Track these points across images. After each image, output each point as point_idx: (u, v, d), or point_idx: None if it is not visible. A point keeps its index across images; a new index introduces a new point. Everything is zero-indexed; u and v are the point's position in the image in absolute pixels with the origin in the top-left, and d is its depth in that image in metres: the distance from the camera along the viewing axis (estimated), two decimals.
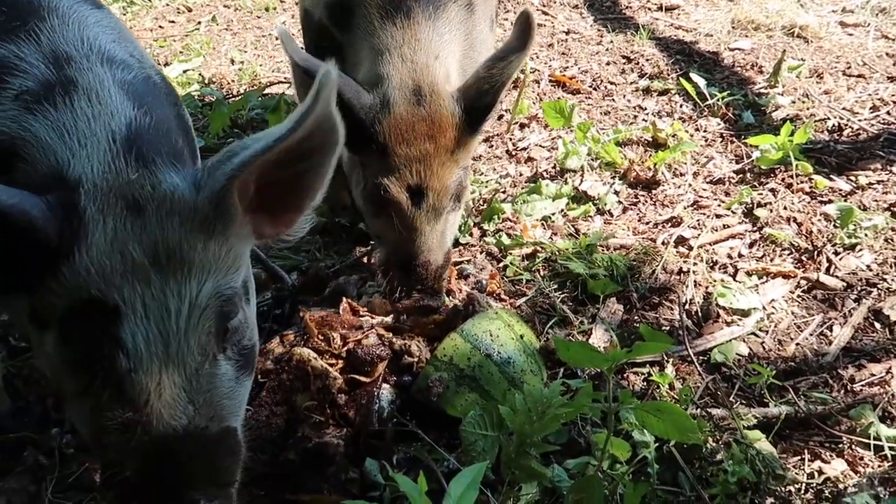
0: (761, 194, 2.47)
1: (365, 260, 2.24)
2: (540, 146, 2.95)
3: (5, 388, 1.70)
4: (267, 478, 1.48)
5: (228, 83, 3.73)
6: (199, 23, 4.81)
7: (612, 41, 3.95)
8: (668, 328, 1.94)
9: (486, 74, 1.73)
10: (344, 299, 1.80)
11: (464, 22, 1.93)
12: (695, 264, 2.17)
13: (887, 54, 3.46)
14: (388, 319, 1.76)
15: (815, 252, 2.17)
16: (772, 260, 2.19)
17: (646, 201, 2.56)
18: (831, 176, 2.53)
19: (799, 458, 1.56)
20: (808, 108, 3.00)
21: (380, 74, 1.76)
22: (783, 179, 2.54)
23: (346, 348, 1.67)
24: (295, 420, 1.57)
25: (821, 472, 1.51)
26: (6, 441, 1.59)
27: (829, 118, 2.90)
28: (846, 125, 2.84)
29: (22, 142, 1.10)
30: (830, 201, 2.39)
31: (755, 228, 2.33)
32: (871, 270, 2.09)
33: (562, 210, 2.50)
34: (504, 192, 2.65)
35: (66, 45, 1.20)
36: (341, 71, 1.58)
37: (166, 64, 3.97)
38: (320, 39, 2.02)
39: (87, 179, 1.04)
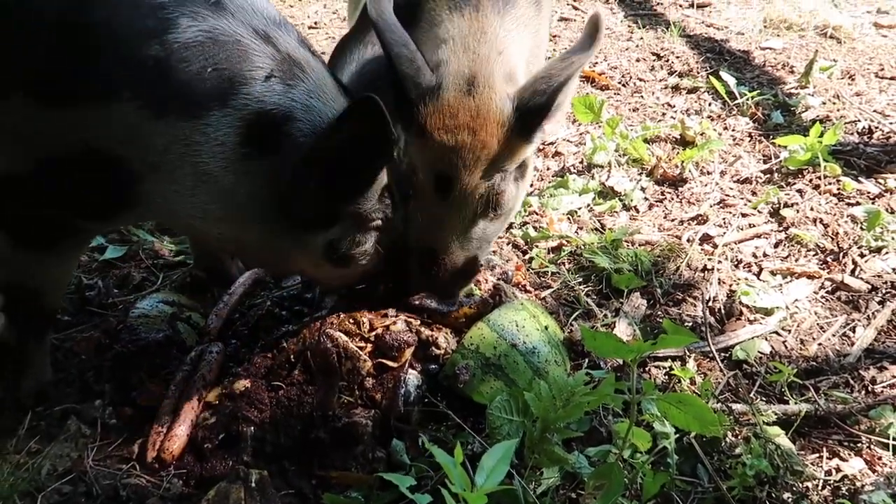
0: (788, 195, 2.48)
1: None
2: (568, 141, 2.97)
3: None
4: (297, 453, 1.54)
5: None
6: None
7: (642, 38, 3.95)
8: (690, 324, 1.97)
9: (544, 74, 1.65)
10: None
11: (532, 19, 1.85)
12: (719, 262, 2.19)
13: None
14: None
15: (841, 254, 2.18)
16: (796, 260, 2.20)
17: (672, 198, 2.57)
18: (859, 178, 2.53)
19: (817, 455, 1.58)
20: (838, 110, 2.99)
21: (439, 60, 1.71)
22: (811, 180, 2.54)
23: (374, 333, 1.72)
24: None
25: (839, 470, 1.53)
26: (52, 412, 1.66)
27: (859, 120, 2.89)
28: (876, 128, 2.83)
29: (299, 113, 1.44)
30: (858, 203, 2.40)
31: (781, 228, 2.34)
32: None
33: (588, 205, 2.53)
34: (531, 186, 2.68)
35: (249, 15, 1.43)
36: None
37: None
38: None
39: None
